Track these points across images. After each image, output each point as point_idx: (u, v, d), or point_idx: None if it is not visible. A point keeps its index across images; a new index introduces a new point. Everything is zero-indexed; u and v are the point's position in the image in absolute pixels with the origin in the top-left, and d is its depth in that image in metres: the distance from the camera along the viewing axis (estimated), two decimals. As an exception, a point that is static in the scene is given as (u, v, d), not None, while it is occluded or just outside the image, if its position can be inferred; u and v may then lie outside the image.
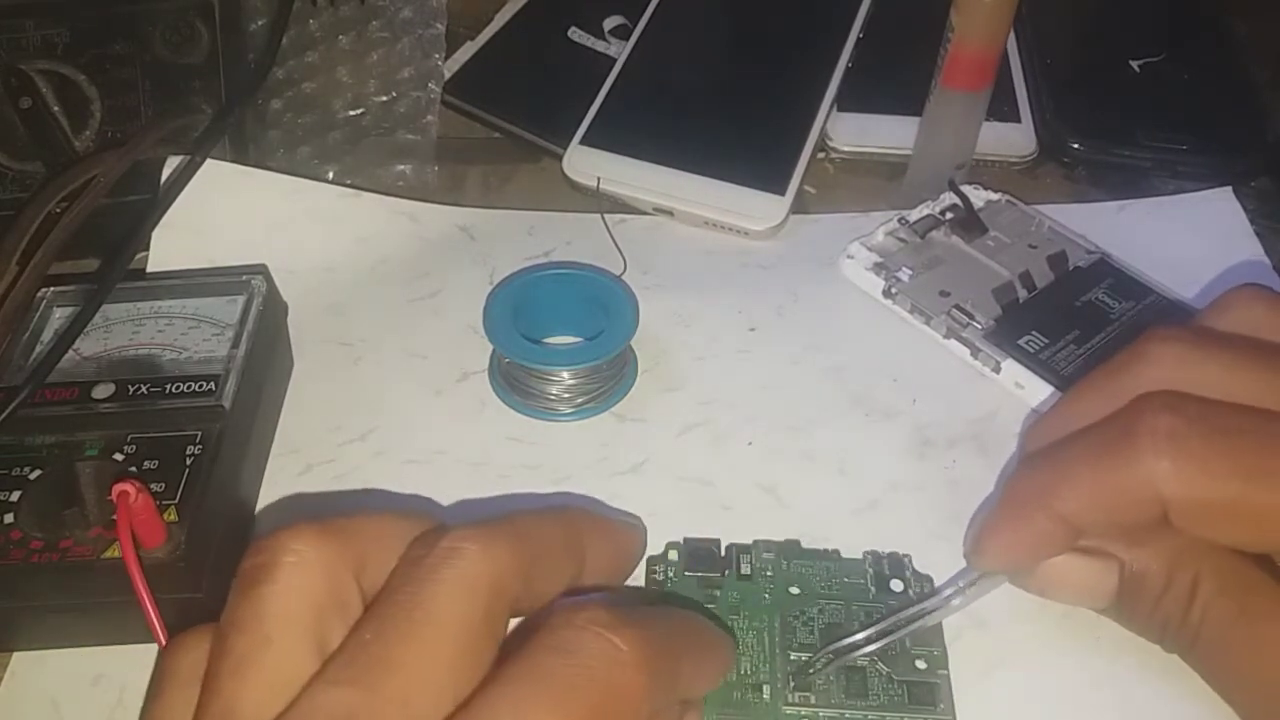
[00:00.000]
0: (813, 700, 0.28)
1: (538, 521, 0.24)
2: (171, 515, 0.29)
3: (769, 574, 0.30)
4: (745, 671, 0.28)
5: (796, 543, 0.31)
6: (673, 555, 0.31)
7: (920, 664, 0.28)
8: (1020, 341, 0.37)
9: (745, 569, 0.30)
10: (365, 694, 0.19)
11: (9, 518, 0.29)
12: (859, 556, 0.31)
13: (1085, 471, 0.26)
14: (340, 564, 0.21)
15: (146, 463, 0.30)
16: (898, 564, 0.31)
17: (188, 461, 0.30)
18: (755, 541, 0.31)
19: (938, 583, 0.30)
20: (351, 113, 0.46)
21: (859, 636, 0.28)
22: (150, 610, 0.27)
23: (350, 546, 0.22)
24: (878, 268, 0.40)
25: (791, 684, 0.28)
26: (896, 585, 0.30)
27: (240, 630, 0.20)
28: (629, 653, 0.20)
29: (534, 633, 0.21)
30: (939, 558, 0.31)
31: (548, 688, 0.20)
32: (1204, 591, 0.26)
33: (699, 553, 0.31)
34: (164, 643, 0.27)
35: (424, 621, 0.20)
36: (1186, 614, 0.26)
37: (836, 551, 0.31)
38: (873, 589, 0.30)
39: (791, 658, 0.29)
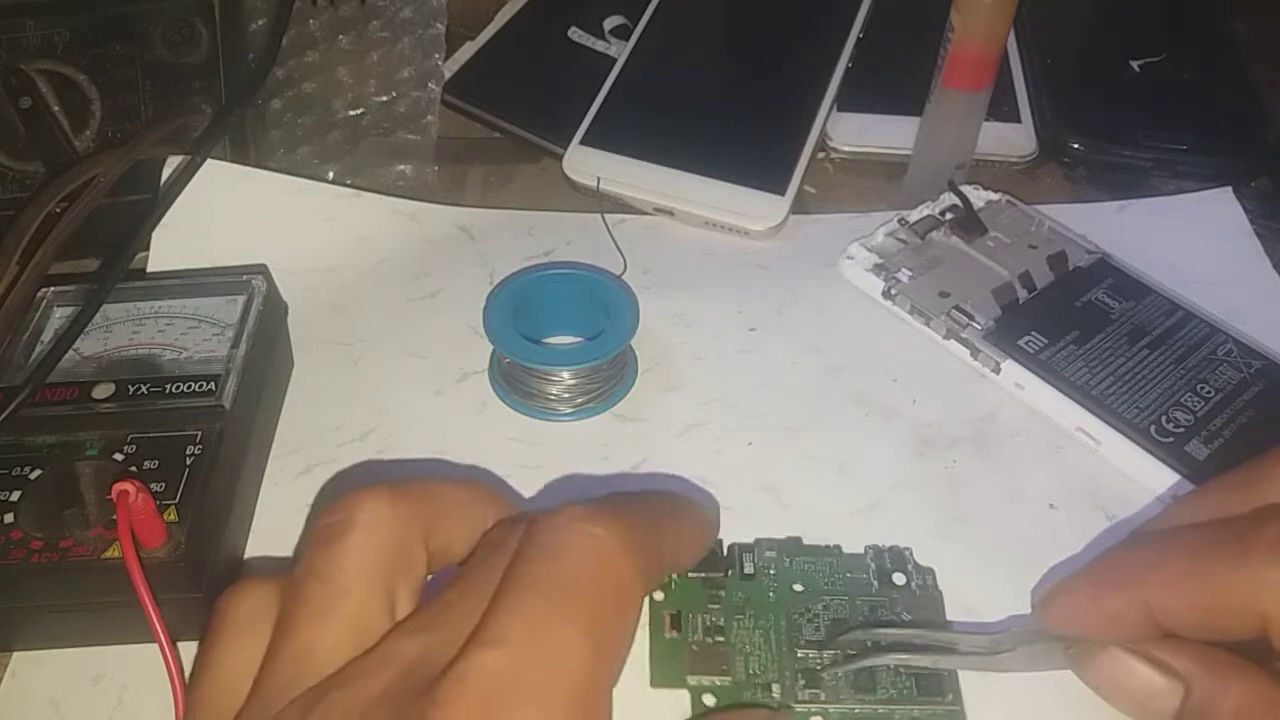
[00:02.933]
0: (822, 697, 0.28)
1: (644, 504, 0.25)
2: (171, 515, 0.29)
3: (772, 572, 0.30)
4: (754, 671, 0.28)
5: (798, 540, 0.31)
6: (674, 555, 0.31)
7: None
8: (1020, 342, 0.37)
9: (748, 568, 0.30)
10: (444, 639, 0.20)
11: (9, 518, 0.29)
12: (860, 551, 0.31)
13: (1185, 563, 0.24)
14: (410, 527, 0.22)
15: (146, 463, 0.30)
16: (899, 557, 0.31)
17: (188, 461, 0.30)
18: (757, 540, 0.31)
19: (939, 577, 0.30)
20: (351, 113, 0.46)
21: (880, 631, 0.28)
22: (150, 610, 0.27)
23: (420, 511, 0.23)
24: (878, 268, 0.39)
25: (801, 681, 0.28)
26: (899, 578, 0.30)
27: (319, 579, 0.21)
28: (610, 538, 0.21)
29: (521, 546, 0.21)
30: (939, 557, 0.31)
31: (549, 595, 0.20)
32: None
33: (701, 552, 0.31)
34: (164, 643, 0.27)
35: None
36: None
37: (838, 547, 0.31)
38: (876, 583, 0.30)
39: (799, 655, 0.29)
